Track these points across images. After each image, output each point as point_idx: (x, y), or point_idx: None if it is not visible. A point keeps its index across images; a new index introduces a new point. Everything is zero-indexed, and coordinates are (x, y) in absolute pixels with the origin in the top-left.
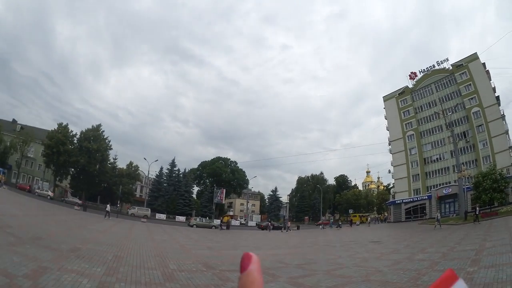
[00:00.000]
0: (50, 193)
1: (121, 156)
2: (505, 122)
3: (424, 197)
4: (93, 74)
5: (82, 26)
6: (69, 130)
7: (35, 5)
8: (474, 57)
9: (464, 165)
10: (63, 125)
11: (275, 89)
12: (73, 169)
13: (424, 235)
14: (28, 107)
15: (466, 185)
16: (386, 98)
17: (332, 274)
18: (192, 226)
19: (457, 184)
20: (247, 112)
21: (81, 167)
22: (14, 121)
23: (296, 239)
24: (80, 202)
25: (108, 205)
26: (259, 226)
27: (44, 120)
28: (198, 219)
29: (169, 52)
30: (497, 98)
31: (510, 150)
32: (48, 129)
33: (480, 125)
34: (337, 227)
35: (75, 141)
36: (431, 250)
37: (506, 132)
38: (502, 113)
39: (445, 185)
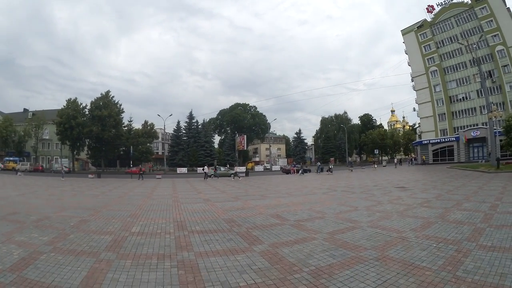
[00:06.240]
0: (65, 168)
1: (143, 117)
2: None
3: (452, 139)
4: (102, 47)
5: (80, 6)
6: (79, 103)
7: (27, 0)
8: None
9: (494, 105)
10: (71, 100)
11: (290, 32)
12: (88, 140)
13: (456, 183)
14: (43, 94)
15: (496, 129)
16: (404, 32)
17: (334, 241)
18: (209, 176)
19: (485, 127)
20: (265, 58)
21: (96, 136)
22: (25, 110)
23: (315, 183)
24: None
25: (205, 167)
26: (283, 170)
27: (62, 102)
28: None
29: (175, 9)
30: None
31: None
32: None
33: (506, 65)
34: (327, 171)
35: (87, 112)
36: (468, 206)
37: None
38: None
39: (472, 127)
